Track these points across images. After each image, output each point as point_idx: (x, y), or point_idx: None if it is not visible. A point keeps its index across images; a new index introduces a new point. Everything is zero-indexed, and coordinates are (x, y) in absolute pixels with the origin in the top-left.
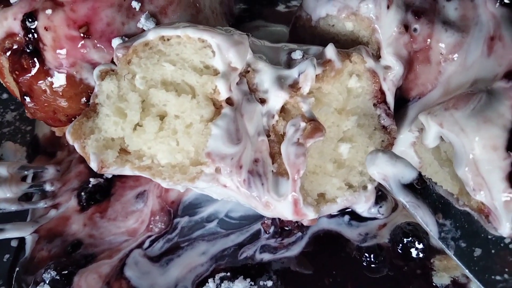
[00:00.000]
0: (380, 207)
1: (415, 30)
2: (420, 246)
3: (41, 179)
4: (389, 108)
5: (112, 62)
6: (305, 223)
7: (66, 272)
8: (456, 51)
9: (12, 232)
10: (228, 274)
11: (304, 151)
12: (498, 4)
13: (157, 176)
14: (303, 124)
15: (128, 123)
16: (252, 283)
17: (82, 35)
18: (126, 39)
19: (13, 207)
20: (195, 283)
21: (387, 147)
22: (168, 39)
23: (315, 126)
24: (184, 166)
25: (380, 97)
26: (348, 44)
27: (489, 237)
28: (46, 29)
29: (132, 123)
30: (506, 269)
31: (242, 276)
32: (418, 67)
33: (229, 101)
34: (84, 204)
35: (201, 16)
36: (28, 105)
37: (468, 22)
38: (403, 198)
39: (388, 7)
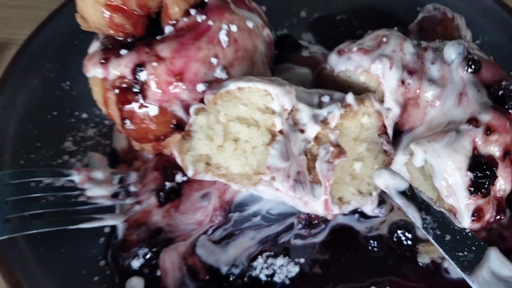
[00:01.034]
0: (381, 208)
1: (409, 84)
2: (409, 236)
3: (125, 182)
4: (389, 137)
5: (201, 101)
6: (328, 218)
7: (155, 249)
8: (437, 100)
9: (109, 221)
10: (272, 253)
11: (332, 167)
12: (465, 71)
13: (231, 181)
14: (331, 149)
15: (214, 145)
16: (290, 260)
17: (176, 81)
18: (207, 84)
19: (108, 202)
20: (248, 259)
21: (387, 165)
22: (242, 88)
23: (340, 150)
24: (249, 175)
25: (383, 130)
26: (360, 91)
27: (456, 228)
28: (151, 75)
29: (216, 145)
30: (466, 248)
31: (282, 255)
32: (410, 109)
33: (281, 131)
34: (162, 201)
35: (255, 68)
36: (127, 127)
37: (446, 81)
38: (399, 201)
39: (390, 68)
